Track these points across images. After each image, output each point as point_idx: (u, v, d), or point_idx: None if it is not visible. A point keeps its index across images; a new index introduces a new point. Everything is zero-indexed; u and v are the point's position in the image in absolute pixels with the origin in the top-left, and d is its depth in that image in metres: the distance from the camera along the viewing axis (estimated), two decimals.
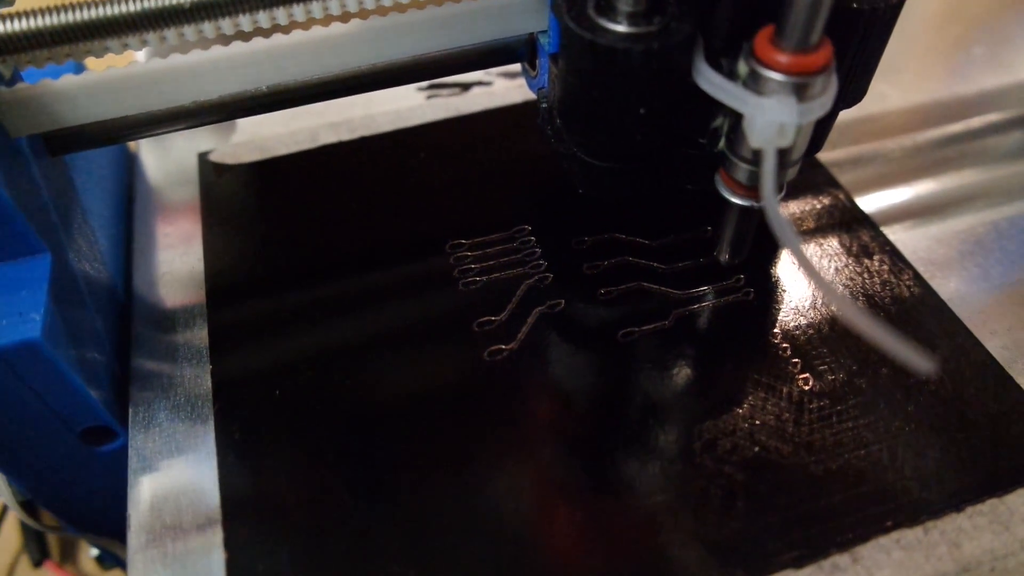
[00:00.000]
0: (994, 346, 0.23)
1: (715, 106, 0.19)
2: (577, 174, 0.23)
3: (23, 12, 0.19)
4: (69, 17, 0.19)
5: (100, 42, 0.20)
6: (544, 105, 0.23)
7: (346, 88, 0.23)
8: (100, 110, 0.21)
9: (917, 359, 0.14)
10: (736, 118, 0.19)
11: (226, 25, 0.20)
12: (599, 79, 0.19)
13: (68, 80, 0.21)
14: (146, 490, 0.21)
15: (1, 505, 0.28)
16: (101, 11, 0.19)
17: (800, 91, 0.17)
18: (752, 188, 0.20)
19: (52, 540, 0.33)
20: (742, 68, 0.18)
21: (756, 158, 0.19)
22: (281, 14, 0.21)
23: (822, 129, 0.23)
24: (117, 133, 0.23)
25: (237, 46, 0.21)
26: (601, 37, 0.18)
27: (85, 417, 0.21)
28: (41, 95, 0.20)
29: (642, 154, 0.21)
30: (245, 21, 0.21)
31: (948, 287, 0.25)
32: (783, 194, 0.21)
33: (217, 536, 0.20)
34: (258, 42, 0.22)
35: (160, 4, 0.20)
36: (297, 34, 0.22)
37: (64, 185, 0.23)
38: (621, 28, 0.18)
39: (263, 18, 0.21)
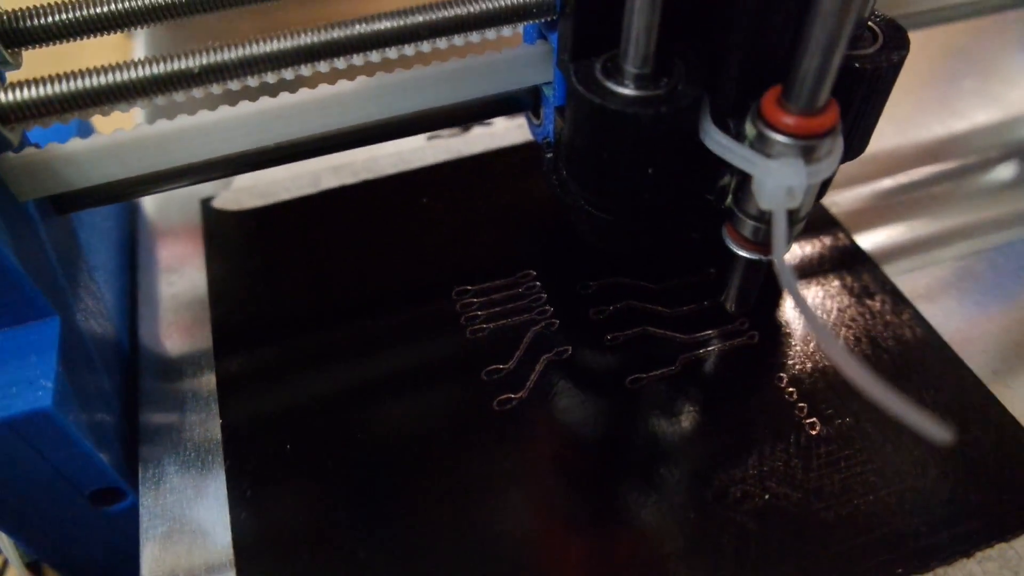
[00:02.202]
0: (998, 387, 0.24)
1: (722, 164, 0.19)
2: (583, 225, 0.23)
3: (33, 80, 0.19)
4: (80, 84, 0.19)
5: (107, 106, 0.20)
6: (549, 155, 0.23)
7: (351, 142, 0.23)
8: (108, 172, 0.21)
9: (933, 428, 0.14)
10: (743, 176, 0.19)
11: (234, 84, 0.21)
12: (607, 141, 0.19)
13: (76, 144, 0.21)
14: (158, 549, 0.21)
15: (2, 562, 0.27)
16: (112, 77, 0.19)
17: (808, 153, 0.17)
18: (758, 243, 0.20)
19: None
20: (750, 130, 0.18)
21: (763, 215, 0.19)
22: (289, 73, 0.21)
23: (827, 179, 0.23)
24: (125, 191, 0.23)
25: (244, 106, 0.22)
26: (610, 101, 0.18)
27: (95, 480, 0.21)
28: (49, 159, 0.20)
29: (649, 209, 0.21)
30: (252, 80, 0.21)
31: (949, 327, 0.25)
32: (790, 248, 0.22)
33: None
34: (265, 101, 0.22)
35: (170, 69, 0.20)
36: (304, 92, 0.22)
37: (70, 243, 0.23)
38: (628, 92, 0.19)
39: (270, 77, 0.21)
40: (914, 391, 0.23)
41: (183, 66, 0.20)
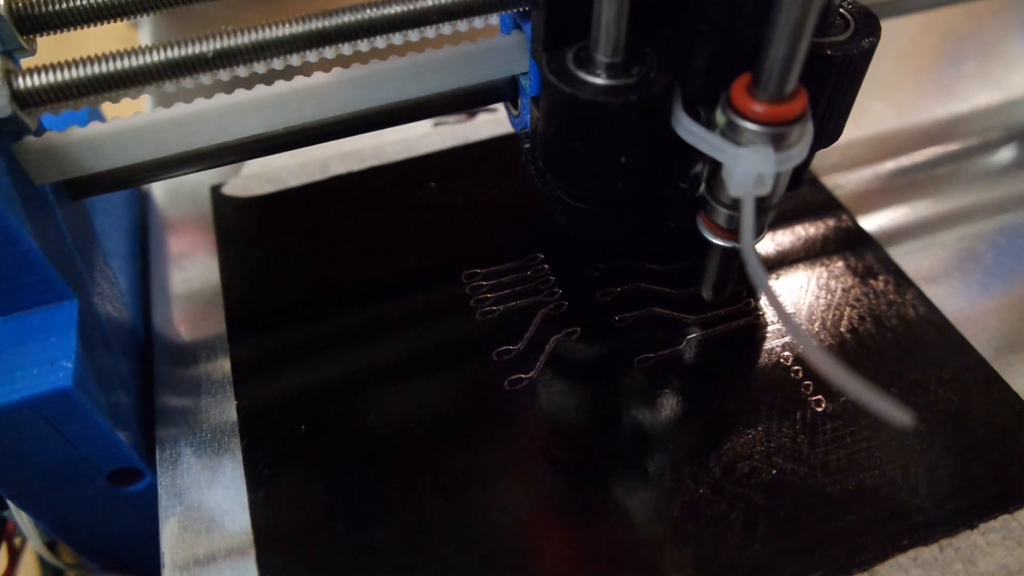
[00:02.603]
0: (1000, 364, 0.24)
1: (695, 153, 0.19)
2: (560, 214, 0.23)
3: (51, 66, 0.19)
4: (98, 69, 0.19)
5: (122, 91, 0.20)
6: (527, 145, 0.23)
7: (323, 135, 0.23)
8: (124, 156, 0.22)
9: (894, 412, 0.14)
10: (715, 164, 0.19)
11: (242, 71, 0.21)
12: (579, 130, 0.19)
13: (93, 128, 0.21)
14: (178, 528, 0.21)
15: (19, 542, 0.28)
16: (129, 62, 0.20)
17: (777, 140, 0.17)
18: (732, 231, 0.20)
19: None
20: (720, 117, 0.18)
21: (735, 203, 0.19)
22: (295, 59, 0.21)
23: (800, 167, 0.23)
24: (139, 176, 0.23)
25: (260, 89, 0.22)
26: (581, 91, 0.18)
27: (113, 460, 0.21)
28: (66, 143, 0.21)
29: (624, 197, 0.21)
30: (259, 67, 0.21)
31: (952, 306, 0.26)
32: (763, 236, 0.22)
33: (252, 570, 0.20)
34: (261, 89, 0.22)
35: (185, 54, 0.20)
36: (280, 84, 0.22)
37: (85, 229, 0.23)
38: (600, 80, 0.19)
39: (277, 63, 0.21)
40: (919, 369, 0.24)
41: (198, 50, 0.20)
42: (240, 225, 0.29)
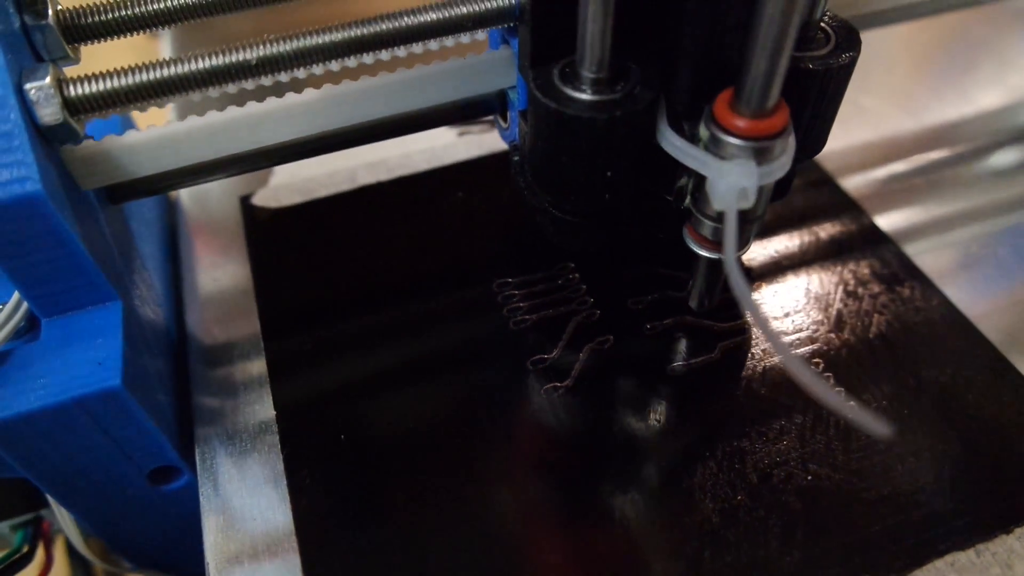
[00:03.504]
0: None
1: (680, 166, 0.19)
2: (548, 226, 0.23)
3: (100, 74, 0.20)
4: (146, 77, 0.20)
5: (166, 98, 0.21)
6: (516, 158, 0.24)
7: (316, 149, 0.24)
8: (165, 161, 0.22)
9: (872, 423, 0.14)
10: (700, 177, 0.19)
11: (283, 77, 0.21)
12: (566, 144, 0.19)
13: (135, 135, 0.21)
14: (220, 527, 0.21)
15: (58, 541, 0.28)
16: (176, 69, 0.20)
17: (760, 154, 0.18)
18: (718, 242, 0.20)
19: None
20: (703, 132, 0.18)
21: (720, 216, 0.20)
22: (319, 68, 0.21)
23: (785, 179, 0.23)
24: (177, 180, 0.23)
25: (290, 97, 0.22)
26: (566, 106, 0.19)
27: (155, 458, 0.21)
28: (111, 149, 0.21)
29: (610, 210, 0.22)
30: (300, 73, 0.21)
31: (968, 305, 0.26)
32: (747, 248, 0.22)
33: (295, 565, 0.20)
34: (291, 97, 0.22)
35: (230, 61, 0.20)
36: (271, 101, 0.22)
37: (124, 232, 0.24)
38: (586, 96, 0.19)
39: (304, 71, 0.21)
40: (949, 376, 0.24)
41: (241, 58, 0.21)
42: (271, 234, 0.29)
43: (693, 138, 0.19)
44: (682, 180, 0.21)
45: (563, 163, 0.20)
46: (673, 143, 0.19)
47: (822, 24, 0.21)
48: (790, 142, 0.18)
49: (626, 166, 0.20)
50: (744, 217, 0.19)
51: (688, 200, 0.21)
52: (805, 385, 0.15)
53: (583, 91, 0.19)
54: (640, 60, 0.20)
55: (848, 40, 0.21)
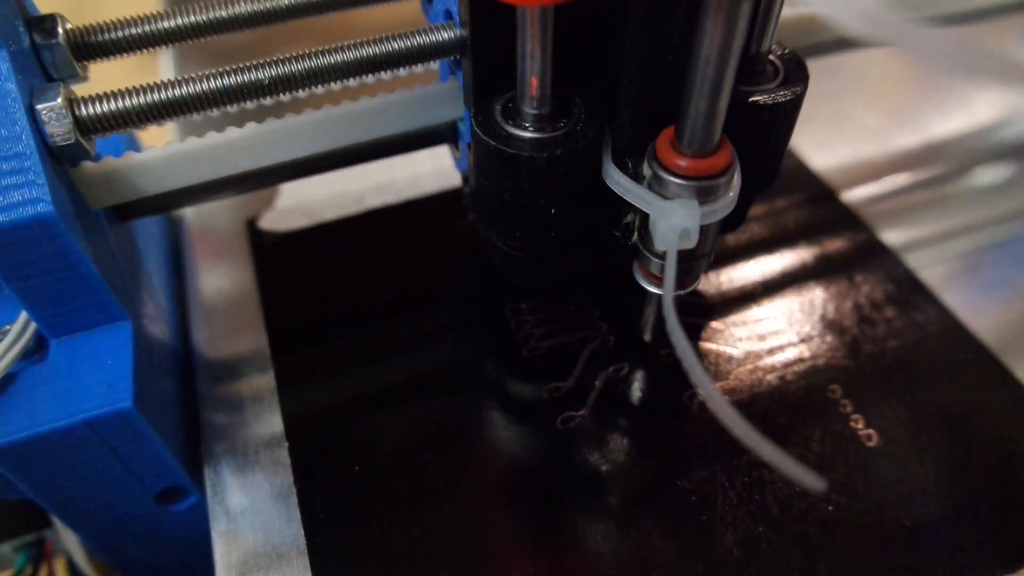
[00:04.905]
0: None
1: (625, 203, 0.19)
2: (497, 259, 0.23)
3: (111, 93, 0.20)
4: (157, 96, 0.20)
5: (181, 117, 0.21)
6: (467, 189, 0.23)
7: (287, 175, 0.24)
8: (176, 180, 0.22)
9: (806, 477, 0.14)
10: (645, 215, 0.19)
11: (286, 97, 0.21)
12: (508, 182, 0.19)
13: (145, 154, 0.21)
14: (232, 548, 0.21)
15: (60, 561, 0.27)
16: (188, 89, 0.20)
17: (703, 194, 0.17)
18: None
19: None
20: (646, 170, 0.18)
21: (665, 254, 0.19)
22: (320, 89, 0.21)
23: (735, 214, 0.21)
24: (184, 198, 0.23)
25: (307, 114, 0.22)
26: (506, 144, 0.18)
27: (163, 479, 0.21)
28: (120, 168, 0.21)
29: (557, 246, 0.21)
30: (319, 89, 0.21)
31: (969, 315, 0.26)
32: (696, 284, 0.22)
33: None
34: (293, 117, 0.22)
35: (243, 80, 0.20)
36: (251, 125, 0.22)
37: (131, 250, 0.23)
38: (527, 134, 0.18)
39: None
40: (964, 403, 0.24)
41: (254, 77, 0.20)
42: (278, 257, 0.29)
43: (637, 176, 0.19)
44: (629, 216, 0.20)
45: (506, 201, 0.19)
46: (617, 181, 0.19)
47: (770, 57, 0.20)
48: (735, 180, 0.18)
49: (570, 203, 0.20)
50: (690, 255, 0.19)
51: (635, 236, 0.20)
52: (738, 436, 0.14)
53: (524, 128, 0.18)
54: (583, 95, 0.19)
55: (796, 73, 0.20)
